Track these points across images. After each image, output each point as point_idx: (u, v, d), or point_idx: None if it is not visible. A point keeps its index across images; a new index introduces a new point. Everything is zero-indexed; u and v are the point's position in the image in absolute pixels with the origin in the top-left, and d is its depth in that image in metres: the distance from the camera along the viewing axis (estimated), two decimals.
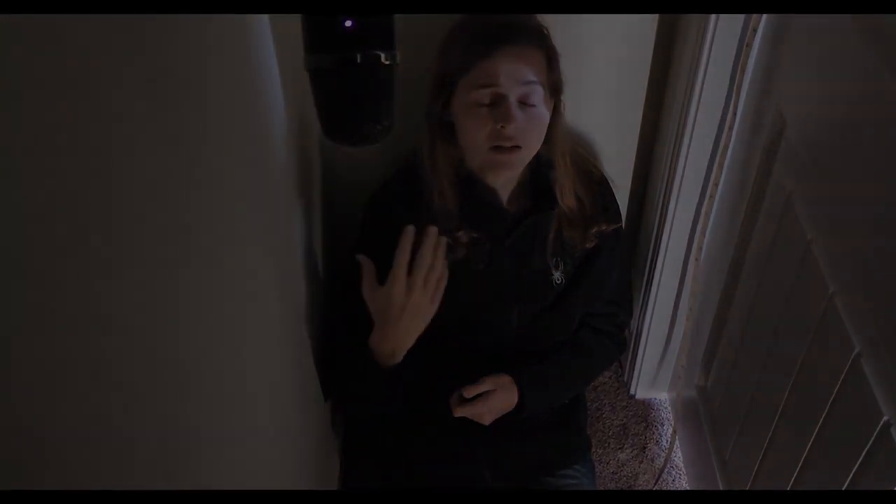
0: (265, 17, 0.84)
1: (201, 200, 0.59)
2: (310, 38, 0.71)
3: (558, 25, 1.09)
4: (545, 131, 1.04)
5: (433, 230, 0.96)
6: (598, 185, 1.18)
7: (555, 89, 1.05)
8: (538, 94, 1.00)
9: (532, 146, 1.04)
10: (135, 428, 0.45)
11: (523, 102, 1.00)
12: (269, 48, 0.86)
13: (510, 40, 0.98)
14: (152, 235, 0.48)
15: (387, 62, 0.72)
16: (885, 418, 0.78)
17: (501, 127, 0.99)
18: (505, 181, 1.13)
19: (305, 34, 0.71)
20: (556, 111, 1.07)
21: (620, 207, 1.25)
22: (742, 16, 1.06)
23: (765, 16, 1.04)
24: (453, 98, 1.03)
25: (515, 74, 0.98)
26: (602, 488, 1.48)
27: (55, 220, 0.36)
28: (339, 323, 1.09)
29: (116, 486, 0.42)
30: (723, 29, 1.07)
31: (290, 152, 0.97)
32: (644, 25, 1.15)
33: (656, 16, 1.15)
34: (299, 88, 0.78)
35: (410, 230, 0.96)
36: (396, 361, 1.03)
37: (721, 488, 1.31)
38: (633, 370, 1.59)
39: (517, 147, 1.02)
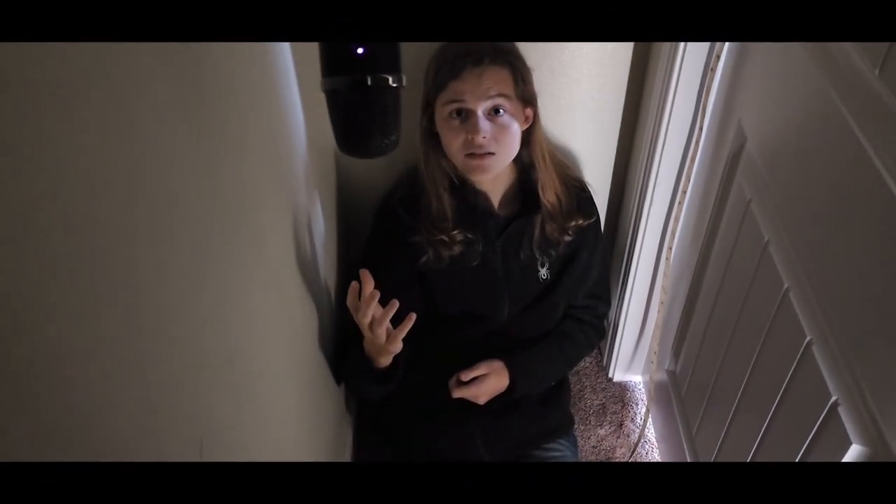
0: (286, 46, 0.85)
1: (235, 204, 0.60)
2: (326, 63, 0.72)
3: (543, 50, 1.10)
4: (517, 137, 1.06)
5: (374, 294, 0.91)
6: (575, 189, 1.19)
7: (526, 100, 1.06)
8: (506, 106, 1.02)
9: (504, 150, 1.05)
10: (173, 403, 0.46)
11: (492, 113, 1.02)
12: (291, 73, 0.87)
13: (475, 62, 1.00)
14: (191, 236, 0.49)
15: (394, 84, 0.72)
16: (833, 399, 0.79)
17: (471, 138, 1.01)
18: (494, 186, 1.14)
19: (322, 60, 0.72)
20: (534, 119, 1.08)
21: (600, 212, 1.26)
22: (707, 43, 1.06)
23: (727, 43, 1.04)
24: (435, 114, 1.05)
25: (479, 91, 1.00)
26: (584, 460, 1.48)
27: (104, 219, 0.37)
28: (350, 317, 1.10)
29: (152, 458, 0.42)
30: (690, 54, 1.08)
31: (309, 162, 0.98)
32: (620, 52, 1.16)
33: (631, 43, 1.15)
34: (317, 107, 0.79)
35: (369, 282, 0.92)
36: (380, 365, 1.04)
37: (689, 460, 1.31)
38: (612, 356, 1.59)
39: (490, 153, 1.03)
